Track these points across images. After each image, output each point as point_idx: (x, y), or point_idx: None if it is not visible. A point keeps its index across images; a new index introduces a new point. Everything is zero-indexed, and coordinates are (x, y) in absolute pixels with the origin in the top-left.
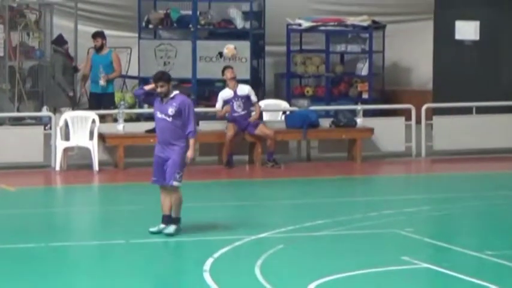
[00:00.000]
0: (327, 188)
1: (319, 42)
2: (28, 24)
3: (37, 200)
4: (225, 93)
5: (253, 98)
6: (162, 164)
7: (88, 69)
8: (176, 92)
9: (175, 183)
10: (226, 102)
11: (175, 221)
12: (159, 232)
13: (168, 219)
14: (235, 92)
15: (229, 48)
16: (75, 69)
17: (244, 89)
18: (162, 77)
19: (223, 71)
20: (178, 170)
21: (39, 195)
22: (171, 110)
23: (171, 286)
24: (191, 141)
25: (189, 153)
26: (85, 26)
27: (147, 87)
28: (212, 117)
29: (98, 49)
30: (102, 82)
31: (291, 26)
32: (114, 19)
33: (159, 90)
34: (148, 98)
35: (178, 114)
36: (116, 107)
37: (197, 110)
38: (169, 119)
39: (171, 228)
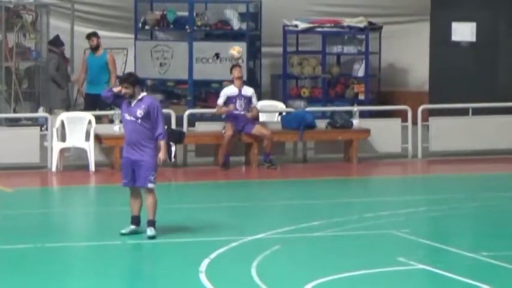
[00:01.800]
0: (323, 189)
1: (316, 44)
2: (24, 25)
3: (33, 201)
4: (230, 90)
5: (254, 101)
6: (132, 166)
7: (84, 71)
8: (144, 93)
9: (150, 185)
10: (228, 99)
11: (153, 223)
12: (131, 234)
13: (137, 220)
14: (240, 91)
15: (234, 48)
16: (68, 78)
17: (248, 91)
18: (128, 78)
19: (231, 69)
20: (153, 172)
21: (35, 196)
22: (139, 112)
23: (166, 287)
24: (162, 143)
25: (161, 155)
26: (81, 27)
27: (115, 89)
28: (209, 118)
29: (94, 49)
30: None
31: (287, 27)
32: (110, 20)
33: (123, 91)
34: (117, 101)
35: (146, 116)
36: (111, 108)
37: (194, 111)
38: (138, 121)
39: (153, 231)
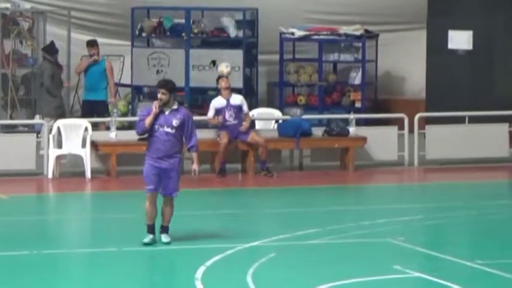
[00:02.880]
0: (319, 196)
1: (312, 51)
2: (21, 32)
3: (29, 208)
4: (218, 102)
5: (245, 108)
6: (160, 174)
7: (81, 69)
8: (177, 104)
9: (175, 195)
10: (218, 110)
11: (168, 229)
12: (153, 243)
13: (153, 229)
14: (228, 101)
15: (222, 65)
16: (61, 84)
17: (237, 99)
18: (166, 84)
19: (217, 80)
20: (179, 182)
21: (31, 203)
22: (175, 122)
23: None
24: (195, 155)
25: (195, 166)
26: (78, 34)
27: (147, 122)
28: (205, 125)
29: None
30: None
31: (284, 34)
32: (107, 27)
33: (159, 96)
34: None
35: (181, 126)
36: (109, 115)
37: None
38: (173, 131)
39: (168, 237)
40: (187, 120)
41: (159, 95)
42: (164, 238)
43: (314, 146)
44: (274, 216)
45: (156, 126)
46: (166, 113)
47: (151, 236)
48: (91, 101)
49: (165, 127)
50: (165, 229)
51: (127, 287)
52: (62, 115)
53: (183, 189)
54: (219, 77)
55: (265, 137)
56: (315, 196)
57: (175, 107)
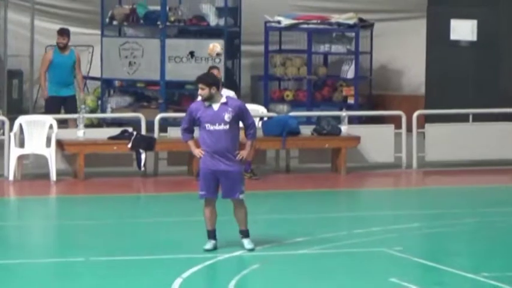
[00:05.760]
0: (308, 202)
1: (301, 42)
2: None
3: None
4: None
5: None
6: (217, 176)
7: (44, 70)
8: (224, 95)
9: (241, 197)
10: None
11: (248, 233)
12: (215, 249)
13: (214, 234)
14: None
15: (214, 45)
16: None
17: (228, 94)
18: (203, 78)
19: (208, 71)
20: (243, 182)
21: None
22: (227, 116)
23: None
24: (249, 143)
25: (244, 153)
26: (42, 22)
27: (191, 147)
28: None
29: (63, 47)
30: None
31: (269, 23)
32: (74, 14)
33: (198, 92)
34: (192, 126)
35: (235, 119)
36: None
37: (166, 115)
38: (227, 127)
39: (251, 243)
40: (241, 111)
41: (198, 92)
42: (248, 244)
43: (302, 146)
44: (259, 223)
45: (206, 125)
46: (216, 108)
47: (212, 242)
48: (60, 97)
49: (217, 124)
50: (246, 233)
51: None
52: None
53: (156, 193)
54: (210, 68)
55: None
56: (303, 201)
57: (223, 100)
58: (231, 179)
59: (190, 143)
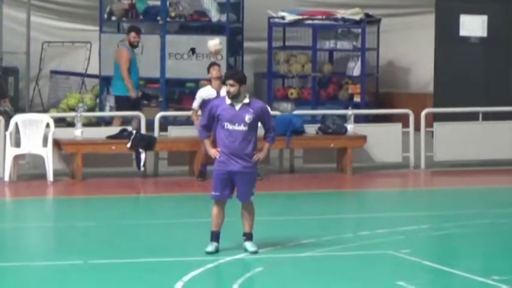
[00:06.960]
0: (313, 203)
1: (305, 38)
2: None
3: None
4: (207, 92)
5: None
6: (231, 177)
7: (127, 68)
8: (248, 97)
9: (252, 198)
10: (204, 102)
11: (252, 236)
12: (216, 252)
13: (217, 237)
14: (218, 93)
15: (212, 42)
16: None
17: None
18: (234, 75)
19: (208, 68)
20: (255, 185)
21: None
22: (248, 118)
23: None
24: (267, 146)
25: (261, 154)
26: (39, 18)
27: (206, 146)
28: (183, 122)
29: (135, 45)
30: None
31: (273, 19)
32: (72, 10)
33: (227, 89)
34: (212, 123)
35: (255, 121)
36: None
37: (166, 113)
38: (246, 128)
39: (254, 245)
40: (262, 113)
41: (227, 88)
42: (251, 247)
43: (307, 145)
44: (262, 225)
45: (225, 123)
46: (237, 108)
47: (214, 244)
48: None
49: (236, 125)
50: (250, 236)
51: None
52: None
53: (156, 193)
54: (211, 65)
55: None
56: (307, 202)
57: (246, 100)
58: (246, 181)
59: (207, 141)
